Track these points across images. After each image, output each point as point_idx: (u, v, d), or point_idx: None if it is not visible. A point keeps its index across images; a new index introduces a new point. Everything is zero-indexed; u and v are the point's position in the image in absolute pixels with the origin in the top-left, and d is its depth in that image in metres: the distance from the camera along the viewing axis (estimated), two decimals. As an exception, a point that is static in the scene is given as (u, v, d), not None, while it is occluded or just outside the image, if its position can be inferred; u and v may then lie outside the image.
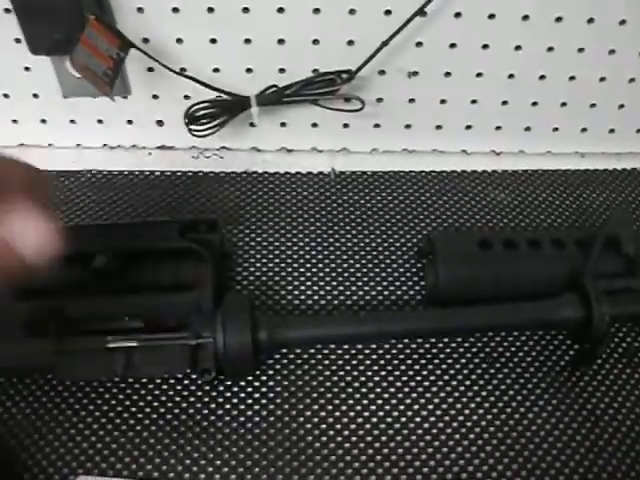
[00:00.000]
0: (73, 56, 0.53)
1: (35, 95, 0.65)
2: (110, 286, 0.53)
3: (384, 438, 0.50)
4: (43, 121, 0.67)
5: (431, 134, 0.68)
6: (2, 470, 0.49)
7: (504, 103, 0.66)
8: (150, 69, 0.62)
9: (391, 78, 0.63)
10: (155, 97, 0.65)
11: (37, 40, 0.58)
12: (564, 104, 0.66)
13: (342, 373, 0.53)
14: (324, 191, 0.65)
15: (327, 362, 0.54)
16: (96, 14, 0.55)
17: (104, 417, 0.51)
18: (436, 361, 0.54)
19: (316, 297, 0.58)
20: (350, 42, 0.60)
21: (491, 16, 0.59)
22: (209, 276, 0.53)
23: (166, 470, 0.48)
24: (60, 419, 0.51)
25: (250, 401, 0.52)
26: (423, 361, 0.54)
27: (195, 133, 0.61)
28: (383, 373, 0.54)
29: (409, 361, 0.54)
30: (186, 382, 0.53)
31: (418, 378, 0.53)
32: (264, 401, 0.52)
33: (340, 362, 0.54)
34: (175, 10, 0.58)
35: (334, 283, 0.59)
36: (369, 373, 0.54)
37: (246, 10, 0.58)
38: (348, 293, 0.58)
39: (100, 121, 0.67)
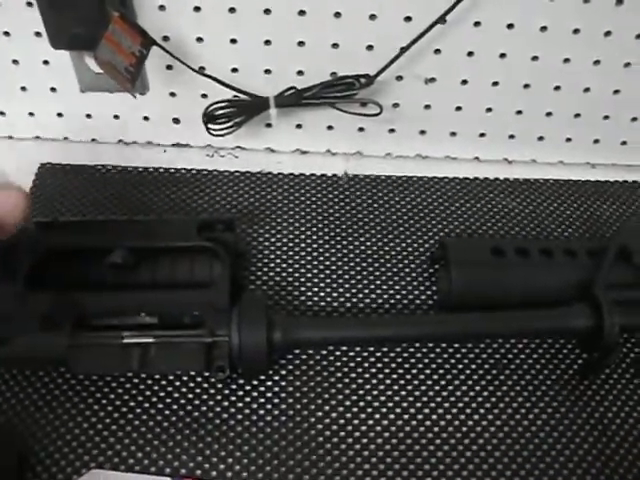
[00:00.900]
0: (97, 52, 0.53)
1: (53, 89, 0.65)
2: (127, 281, 0.54)
3: (394, 441, 0.51)
4: (59, 115, 0.68)
5: (445, 140, 0.69)
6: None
7: (518, 112, 0.66)
8: (169, 67, 0.62)
9: (408, 84, 0.63)
10: (173, 95, 0.65)
11: (58, 34, 0.58)
12: (578, 115, 0.66)
13: (354, 375, 0.54)
14: (338, 193, 0.66)
15: (339, 364, 0.54)
16: (120, 11, 0.55)
17: (117, 412, 0.51)
18: (447, 366, 0.55)
19: (329, 299, 0.58)
20: (369, 47, 0.61)
21: (510, 26, 0.59)
22: (225, 275, 0.53)
23: (178, 466, 0.49)
24: (73, 412, 0.51)
25: (262, 400, 0.52)
26: (434, 366, 0.55)
27: (212, 132, 0.61)
28: (394, 376, 0.54)
29: (420, 365, 0.55)
30: (199, 380, 0.53)
31: (429, 382, 0.54)
32: (276, 400, 0.52)
33: (352, 364, 0.54)
34: (197, 9, 0.59)
35: (346, 285, 0.59)
36: (380, 376, 0.54)
37: (267, 11, 0.59)
38: (360, 296, 0.59)
39: (116, 116, 0.67)
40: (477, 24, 0.59)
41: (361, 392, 0.53)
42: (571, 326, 0.52)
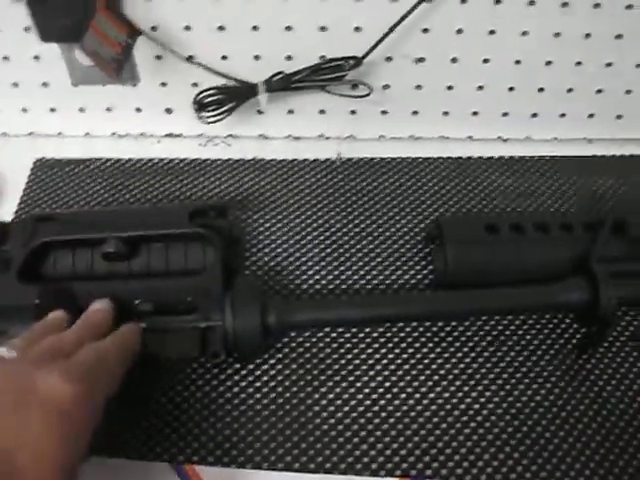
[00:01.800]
0: (83, 42, 0.54)
1: (44, 84, 0.65)
2: (121, 270, 0.54)
3: (392, 420, 0.51)
4: (52, 110, 0.68)
5: (438, 120, 0.68)
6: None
7: (511, 89, 0.66)
8: (158, 57, 0.62)
9: (398, 64, 0.63)
10: (163, 85, 0.65)
11: (47, 27, 0.58)
12: (570, 90, 0.66)
13: (350, 356, 0.54)
14: (332, 177, 0.65)
15: (335, 345, 0.54)
16: (106, 2, 0.55)
17: (114, 400, 0.51)
18: (444, 344, 0.55)
19: (324, 282, 0.58)
20: (357, 28, 0.60)
21: (497, 1, 0.59)
22: (218, 260, 0.53)
23: (175, 453, 0.49)
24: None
25: (258, 384, 0.52)
26: (431, 344, 0.55)
27: (203, 120, 0.62)
28: (390, 356, 0.54)
29: (417, 344, 0.55)
30: (195, 365, 0.53)
31: (425, 361, 0.54)
32: (273, 384, 0.52)
33: (348, 345, 0.54)
34: (183, -3, 0.59)
35: (342, 268, 0.59)
36: (377, 356, 0.54)
37: (253, -3, 0.59)
38: (356, 277, 0.58)
39: (109, 109, 0.67)
40: (464, 1, 0.59)
41: (357, 373, 0.53)
42: (567, 300, 0.52)
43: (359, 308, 0.52)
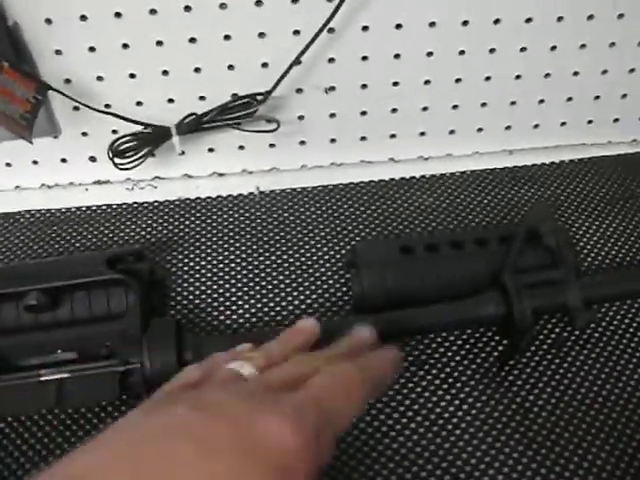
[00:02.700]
0: (-12, 104, 0.55)
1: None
2: (45, 321, 0.55)
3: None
4: (-21, 165, 0.69)
5: (356, 145, 0.69)
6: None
7: (424, 109, 0.67)
8: (76, 108, 0.64)
9: (308, 95, 0.64)
10: (84, 134, 0.66)
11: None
12: (484, 104, 0.67)
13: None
14: (255, 211, 0.66)
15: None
16: (9, 61, 0.57)
17: (45, 449, 0.52)
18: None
19: (248, 315, 0.59)
20: (264, 64, 0.62)
21: (398, 26, 0.60)
22: (136, 304, 0.54)
23: None
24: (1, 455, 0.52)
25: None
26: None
27: (121, 166, 0.63)
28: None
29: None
30: (124, 408, 0.54)
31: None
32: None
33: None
34: (92, 49, 0.60)
35: (265, 300, 0.60)
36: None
37: (160, 43, 0.60)
38: (279, 308, 0.59)
39: (35, 162, 0.68)
40: (365, 28, 0.60)
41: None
42: (482, 315, 0.53)
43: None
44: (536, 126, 0.70)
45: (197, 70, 0.62)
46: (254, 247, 0.64)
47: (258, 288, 0.61)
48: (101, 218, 0.67)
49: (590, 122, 0.71)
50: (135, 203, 0.68)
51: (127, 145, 0.62)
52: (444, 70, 0.64)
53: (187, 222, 0.66)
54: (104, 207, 0.68)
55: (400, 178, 0.69)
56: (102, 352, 0.52)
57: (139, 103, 0.64)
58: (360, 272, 0.56)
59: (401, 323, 0.53)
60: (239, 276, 0.62)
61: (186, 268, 0.62)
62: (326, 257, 0.63)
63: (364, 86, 0.64)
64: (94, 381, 0.51)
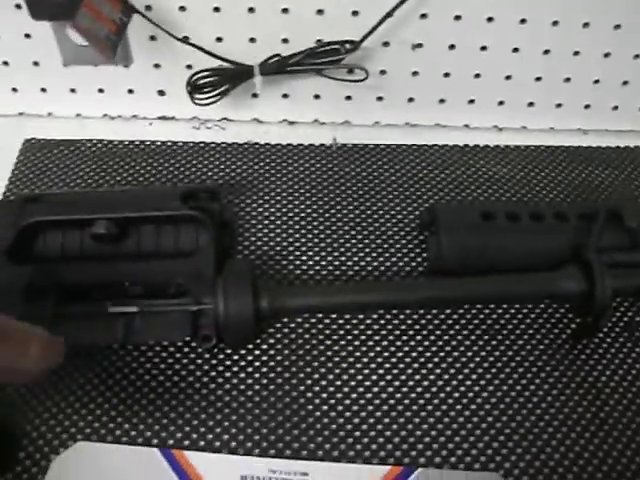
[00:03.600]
0: (76, 20, 0.52)
1: (35, 63, 0.64)
2: (111, 252, 0.53)
3: (385, 407, 0.50)
4: (43, 90, 0.67)
5: (434, 108, 0.68)
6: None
7: (508, 78, 0.65)
8: (152, 37, 0.61)
9: (395, 50, 0.62)
10: (157, 66, 0.64)
11: (38, 4, 0.57)
12: (568, 79, 0.65)
13: (343, 342, 0.53)
14: (326, 162, 0.65)
15: (328, 331, 0.54)
16: (99, -22, 0.54)
17: (103, 384, 0.50)
18: (438, 332, 0.54)
19: (317, 267, 0.57)
20: (355, 12, 0.60)
21: (497, -11, 0.59)
22: (210, 243, 0.52)
23: (165, 437, 0.48)
24: (59, 385, 0.50)
25: (250, 369, 0.52)
26: (425, 332, 0.54)
27: (197, 102, 0.61)
28: (384, 343, 0.53)
29: (410, 332, 0.54)
30: (186, 350, 0.52)
31: (419, 349, 0.53)
32: (264, 369, 0.52)
33: (341, 332, 0.54)
34: (178, -24, 0.58)
35: (335, 254, 0.58)
36: (370, 343, 0.53)
37: (250, -22, 0.58)
38: (350, 264, 0.58)
39: (101, 90, 0.66)
40: (463, -13, 0.58)
41: (350, 360, 0.52)
42: (563, 290, 0.52)
43: (352, 295, 0.52)
44: (615, 108, 0.68)
45: (285, 10, 0.60)
46: (325, 199, 0.62)
47: (329, 241, 0.59)
48: (164, 154, 0.65)
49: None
50: (201, 142, 0.66)
51: (206, 80, 0.60)
52: (535, 40, 0.62)
53: (256, 167, 0.64)
54: (169, 143, 0.66)
55: (474, 145, 0.67)
56: (170, 290, 0.51)
57: (219, 39, 0.62)
58: (439, 234, 0.54)
59: (478, 290, 0.52)
60: (310, 227, 0.60)
61: (254, 213, 0.60)
62: (399, 217, 0.61)
63: (452, 47, 0.62)
64: (165, 319, 0.49)
